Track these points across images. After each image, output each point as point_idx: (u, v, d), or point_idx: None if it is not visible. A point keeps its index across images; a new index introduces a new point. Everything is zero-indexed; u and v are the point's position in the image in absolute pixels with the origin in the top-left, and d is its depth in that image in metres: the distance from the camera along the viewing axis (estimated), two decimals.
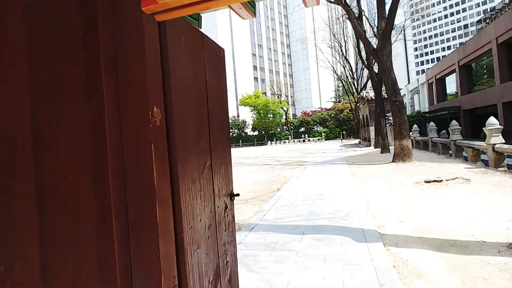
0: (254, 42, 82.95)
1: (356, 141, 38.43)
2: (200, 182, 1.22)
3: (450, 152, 13.59)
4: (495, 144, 9.22)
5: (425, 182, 7.35)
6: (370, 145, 24.83)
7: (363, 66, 39.90)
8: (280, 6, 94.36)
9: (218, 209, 1.44)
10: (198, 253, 1.17)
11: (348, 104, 48.15)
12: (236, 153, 31.24)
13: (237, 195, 1.70)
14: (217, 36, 72.56)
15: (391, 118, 21.07)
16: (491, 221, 4.23)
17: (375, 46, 15.59)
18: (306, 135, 52.78)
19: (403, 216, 4.83)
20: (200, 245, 1.20)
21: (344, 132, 49.43)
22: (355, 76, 40.13)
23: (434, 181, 7.27)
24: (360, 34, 15.55)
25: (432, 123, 16.70)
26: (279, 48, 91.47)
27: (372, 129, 24.04)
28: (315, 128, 56.69)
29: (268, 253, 3.56)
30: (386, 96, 18.76)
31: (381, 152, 17.69)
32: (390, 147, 17.79)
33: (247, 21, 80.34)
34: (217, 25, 72.76)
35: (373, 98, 23.12)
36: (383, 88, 19.12)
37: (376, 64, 18.73)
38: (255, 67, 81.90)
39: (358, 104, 35.00)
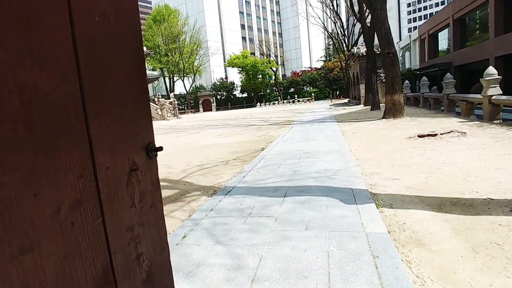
0: None
1: (346, 100, 37.81)
2: (38, 125, 0.58)
3: (442, 108, 13.14)
4: (492, 95, 8.71)
5: (419, 136, 6.88)
6: (360, 103, 24.29)
7: (355, 21, 38.17)
8: None
9: (109, 172, 0.82)
10: (27, 262, 0.57)
11: (339, 62, 46.74)
12: (224, 115, 30.35)
13: (160, 148, 1.07)
14: None
15: (382, 75, 20.35)
16: (495, 176, 3.77)
17: None
18: (296, 95, 51.87)
19: (397, 173, 4.36)
20: (36, 244, 0.59)
21: (336, 92, 48.60)
22: (346, 32, 38.42)
23: (428, 135, 6.80)
24: None
25: (424, 78, 16.07)
26: (268, 5, 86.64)
27: (362, 86, 23.33)
28: (305, 89, 55.59)
29: (242, 221, 3.04)
30: (378, 52, 17.85)
31: (371, 110, 17.20)
32: (380, 104, 17.27)
33: None
34: None
35: (364, 54, 22.12)
36: (376, 43, 18.13)
37: (369, 16, 17.53)
38: (243, 26, 77.97)
39: (348, 62, 33.84)
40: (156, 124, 24.85)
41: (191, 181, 5.03)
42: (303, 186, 4.06)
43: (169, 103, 33.82)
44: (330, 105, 29.33)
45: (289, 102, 50.42)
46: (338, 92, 50.31)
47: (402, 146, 6.32)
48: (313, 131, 10.01)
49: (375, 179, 4.20)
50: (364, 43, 22.21)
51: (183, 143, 10.29)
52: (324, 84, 53.11)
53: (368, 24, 19.25)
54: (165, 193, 4.36)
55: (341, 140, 7.70)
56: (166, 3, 58.14)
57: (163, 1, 66.30)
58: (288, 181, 4.41)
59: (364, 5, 17.64)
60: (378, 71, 20.76)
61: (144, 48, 37.35)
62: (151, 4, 67.03)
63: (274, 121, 16.20)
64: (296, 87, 55.63)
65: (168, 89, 58.15)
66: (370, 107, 18.05)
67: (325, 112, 19.89)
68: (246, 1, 79.57)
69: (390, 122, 10.63)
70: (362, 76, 23.12)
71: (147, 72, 36.41)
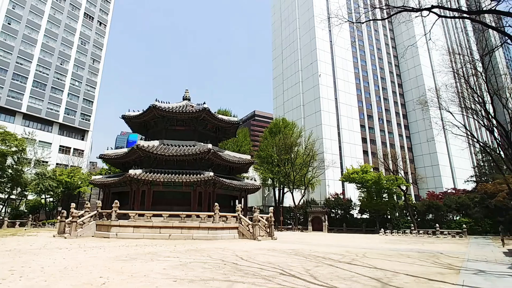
0: (363, 113, 75.85)
1: None
2: None
3: None
4: None
5: None
6: None
7: None
8: (393, 75, 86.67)
9: None
10: None
11: (504, 185, 33.27)
12: (331, 243, 22.08)
13: None
14: (321, 106, 69.02)
15: None
16: None
17: None
18: (437, 224, 38.48)
19: None
20: None
21: (501, 227, 33.35)
22: None
23: None
24: None
25: None
26: (394, 119, 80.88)
27: None
28: (450, 217, 41.55)
29: None
30: None
31: None
32: None
33: (354, 93, 75.28)
34: (320, 95, 69.83)
35: None
36: None
37: None
38: (364, 140, 73.03)
39: None
40: (234, 247, 19.42)
41: None
42: None
43: (265, 219, 28.70)
44: (506, 253, 17.70)
45: (427, 233, 37.46)
46: (503, 226, 34.55)
47: None
48: None
49: None
50: None
51: None
52: (481, 213, 38.38)
53: None
54: None
55: None
56: (284, 117, 60.55)
57: (283, 116, 70.21)
58: None
59: None
60: None
61: (249, 157, 36.04)
62: (272, 119, 72.29)
63: None
64: (436, 213, 42.28)
65: (277, 201, 54.53)
66: None
67: (510, 279, 10.14)
68: (368, 115, 76.32)
69: None
70: None
71: (247, 181, 33.71)
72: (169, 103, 32.71)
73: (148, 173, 27.60)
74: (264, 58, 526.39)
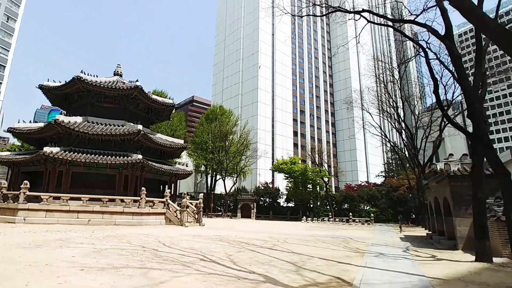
0: (296, 108, 79.73)
1: (422, 231, 28.33)
2: None
3: None
4: None
5: None
6: (455, 246, 15.69)
7: (425, 135, 31.82)
8: (326, 75, 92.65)
9: None
10: None
11: (406, 180, 38.79)
12: (256, 229, 23.08)
13: None
14: (259, 97, 70.29)
15: (498, 209, 12.84)
16: None
17: None
18: (351, 213, 43.05)
19: None
20: None
21: (400, 216, 38.87)
22: (416, 144, 31.94)
23: None
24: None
25: None
26: (323, 116, 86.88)
27: (461, 221, 15.24)
28: (362, 206, 46.79)
29: None
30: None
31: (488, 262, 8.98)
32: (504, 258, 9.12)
33: (290, 88, 78.49)
34: (259, 86, 71.06)
35: (464, 173, 14.97)
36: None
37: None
38: (295, 133, 77.04)
39: (426, 183, 26.19)
40: (159, 233, 18.86)
41: None
42: None
43: (194, 205, 28.42)
44: (403, 240, 20.78)
45: (342, 221, 41.67)
46: (402, 216, 40.39)
47: None
48: None
49: None
50: (469, 155, 15.37)
51: None
52: (386, 204, 44.09)
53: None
54: None
55: None
56: (222, 105, 60.29)
57: (222, 103, 69.88)
58: None
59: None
60: (489, 200, 13.35)
61: (182, 141, 35.05)
62: (210, 106, 71.44)
63: (312, 273, 8.97)
64: (351, 203, 47.26)
65: (209, 188, 54.41)
66: (476, 256, 9.89)
67: (404, 261, 11.97)
68: (301, 110, 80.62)
69: None
70: (460, 205, 15.34)
71: (179, 166, 32.87)
72: (97, 76, 29.65)
73: (67, 152, 24.84)
74: (208, 43, 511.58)
